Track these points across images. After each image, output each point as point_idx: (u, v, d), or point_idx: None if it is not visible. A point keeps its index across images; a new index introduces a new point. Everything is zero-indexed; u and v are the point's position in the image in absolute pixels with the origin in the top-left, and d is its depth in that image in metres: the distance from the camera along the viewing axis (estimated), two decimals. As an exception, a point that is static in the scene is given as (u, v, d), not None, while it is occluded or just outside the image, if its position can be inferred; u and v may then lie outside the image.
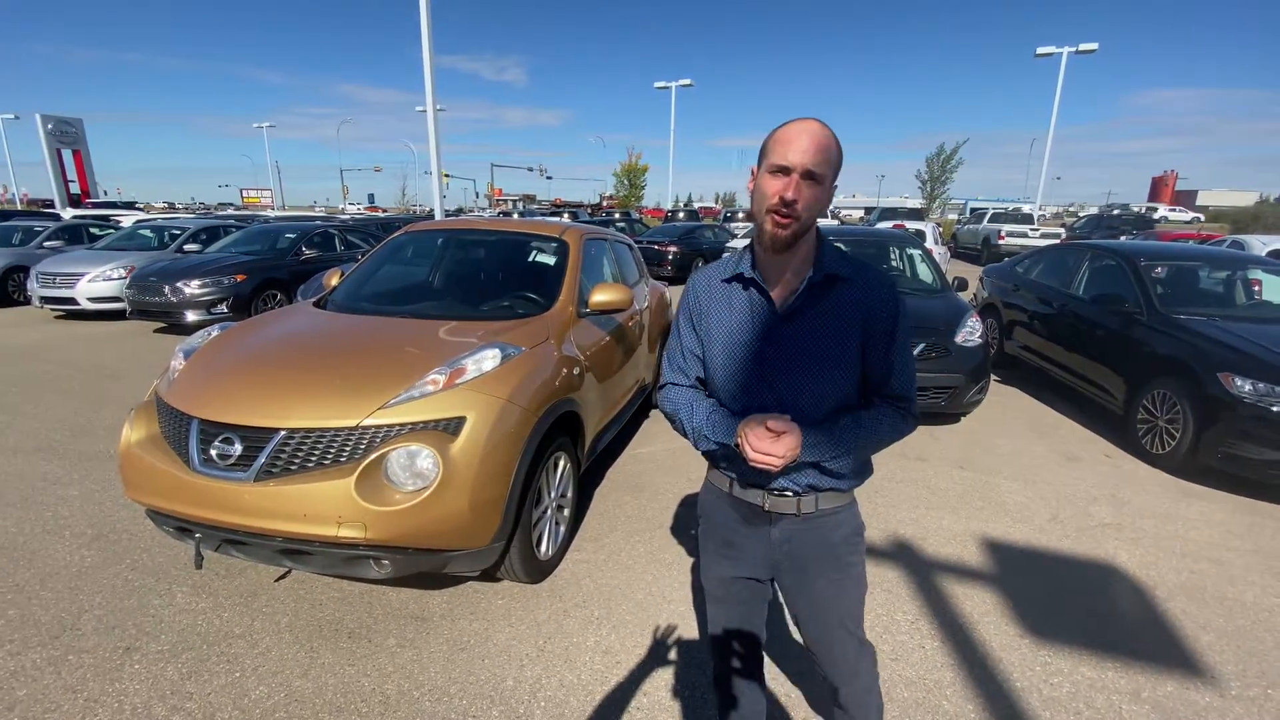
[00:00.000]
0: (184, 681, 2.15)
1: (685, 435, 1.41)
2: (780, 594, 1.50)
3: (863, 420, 1.31)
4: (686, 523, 3.34)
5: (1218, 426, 3.82)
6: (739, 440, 1.24)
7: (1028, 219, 20.51)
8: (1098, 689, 2.23)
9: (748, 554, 1.43)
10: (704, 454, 1.45)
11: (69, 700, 2.05)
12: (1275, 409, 3.61)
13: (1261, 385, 3.70)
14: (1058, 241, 11.90)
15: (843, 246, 6.96)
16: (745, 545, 1.43)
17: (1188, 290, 5.19)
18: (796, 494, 1.35)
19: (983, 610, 2.65)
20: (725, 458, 1.39)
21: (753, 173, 1.26)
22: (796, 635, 2.23)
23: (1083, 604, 2.73)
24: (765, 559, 1.41)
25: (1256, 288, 5.28)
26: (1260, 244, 9.56)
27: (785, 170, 1.17)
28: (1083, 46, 22.74)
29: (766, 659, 2.18)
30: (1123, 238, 17.57)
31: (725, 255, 1.50)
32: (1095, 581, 2.91)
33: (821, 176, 1.18)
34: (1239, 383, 3.77)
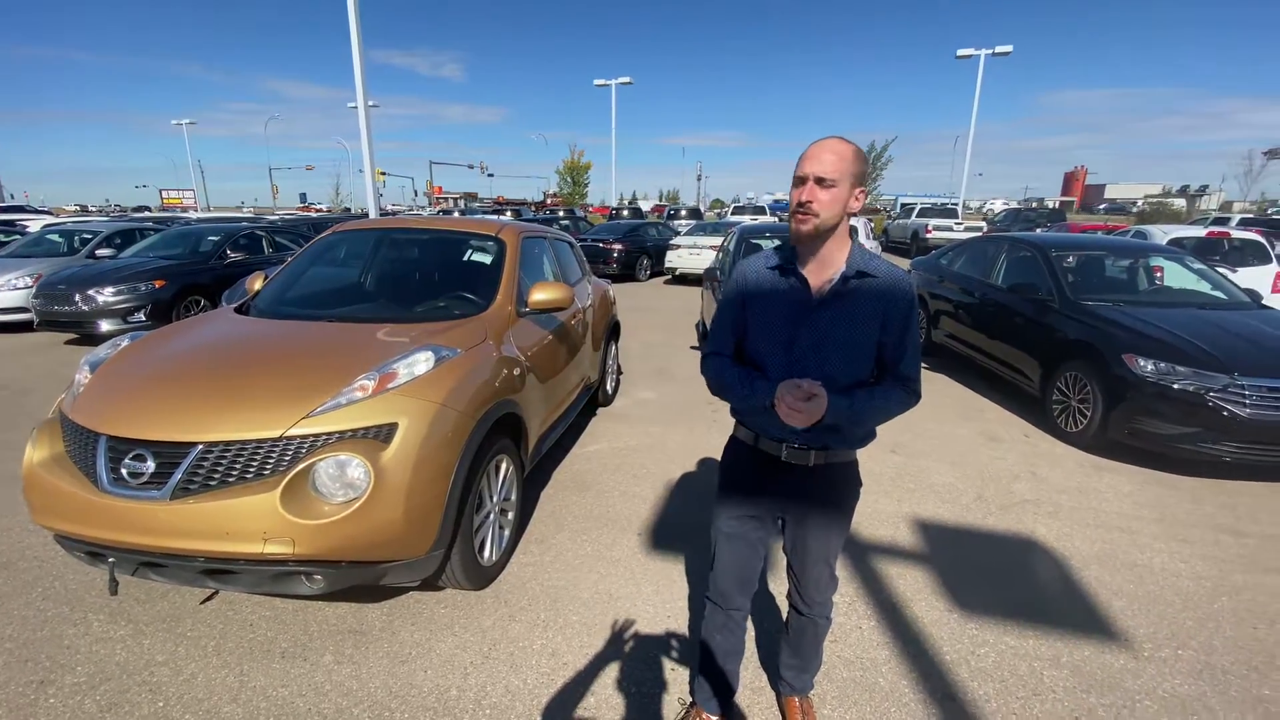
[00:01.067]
0: (103, 714, 2.02)
1: (723, 396, 1.69)
2: (781, 527, 1.80)
3: (876, 395, 1.56)
4: (634, 520, 3.36)
5: (1124, 405, 4.11)
6: (775, 400, 1.48)
7: (953, 213, 21.46)
8: (1020, 656, 2.36)
9: (763, 496, 1.72)
10: (733, 413, 1.76)
11: (-33, 745, 1.90)
12: (1176, 387, 3.90)
13: (1163, 365, 4.00)
14: (979, 234, 12.50)
15: (777, 241, 7.14)
16: (762, 489, 1.72)
17: (1096, 278, 5.56)
18: (810, 449, 1.63)
19: (915, 588, 2.77)
20: (755, 414, 1.66)
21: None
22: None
23: (1006, 577, 2.89)
24: (777, 501, 1.71)
25: (1158, 274, 5.70)
26: (1161, 233, 10.28)
27: (803, 180, 1.46)
28: (998, 49, 23.94)
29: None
30: (1038, 230, 18.63)
31: (764, 250, 1.72)
32: (1017, 555, 3.08)
33: (833, 181, 1.43)
34: (1142, 363, 4.06)
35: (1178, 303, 4.97)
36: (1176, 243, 8.91)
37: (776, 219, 26.25)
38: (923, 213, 21.84)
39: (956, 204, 23.65)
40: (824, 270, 1.55)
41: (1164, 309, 4.72)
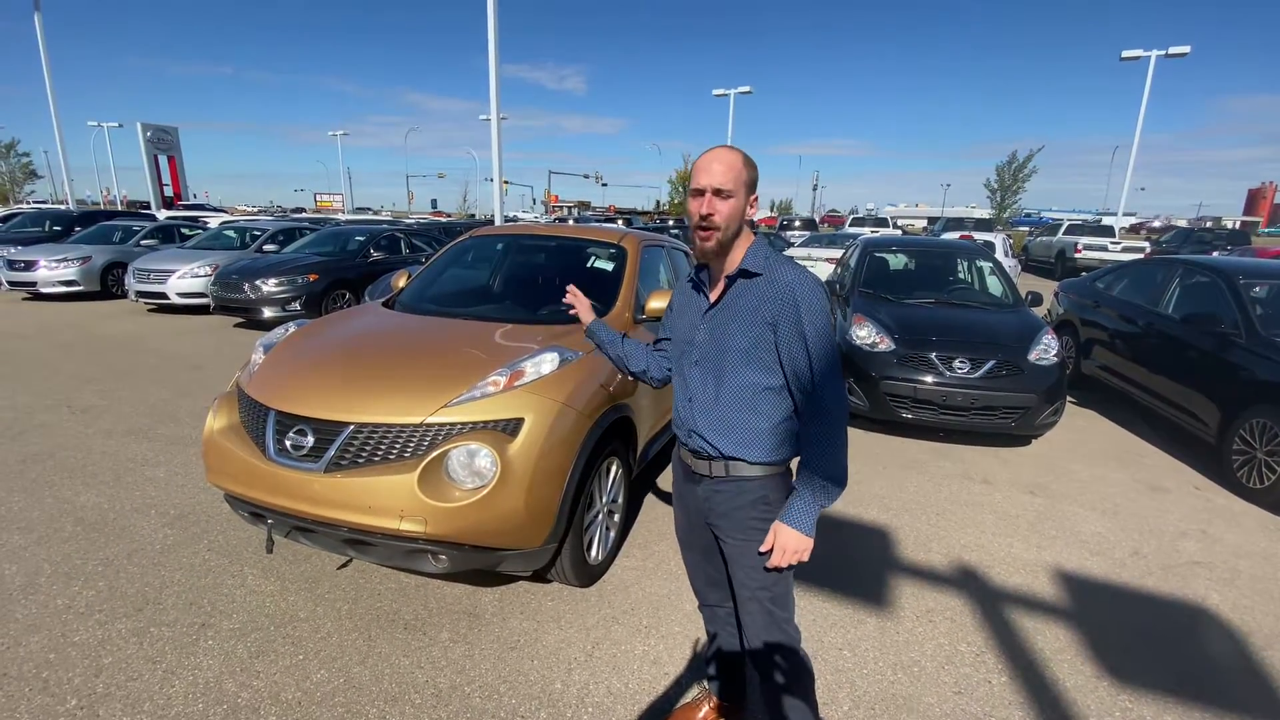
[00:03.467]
0: (252, 660, 2.25)
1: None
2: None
3: (808, 448, 1.48)
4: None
5: (1328, 461, 3.49)
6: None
7: (1108, 231, 19.38)
8: (1185, 741, 2.06)
9: (689, 506, 1.71)
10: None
11: (149, 670, 2.18)
12: (1397, 445, 3.26)
13: (1381, 418, 3.36)
14: (1141, 256, 11.18)
15: (904, 256, 6.75)
16: (686, 498, 1.72)
17: (1294, 312, 4.78)
18: (709, 458, 1.58)
19: (1056, 647, 2.49)
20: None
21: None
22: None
23: (1168, 647, 2.53)
24: (699, 511, 1.67)
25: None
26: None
27: (700, 192, 1.44)
28: (1173, 50, 21.31)
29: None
30: (1215, 253, 16.36)
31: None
32: (1182, 623, 2.70)
33: (731, 192, 1.43)
34: (1354, 415, 3.44)
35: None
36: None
37: (900, 231, 24.87)
38: (1071, 230, 19.86)
39: (1112, 220, 21.31)
40: (723, 278, 1.53)
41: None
